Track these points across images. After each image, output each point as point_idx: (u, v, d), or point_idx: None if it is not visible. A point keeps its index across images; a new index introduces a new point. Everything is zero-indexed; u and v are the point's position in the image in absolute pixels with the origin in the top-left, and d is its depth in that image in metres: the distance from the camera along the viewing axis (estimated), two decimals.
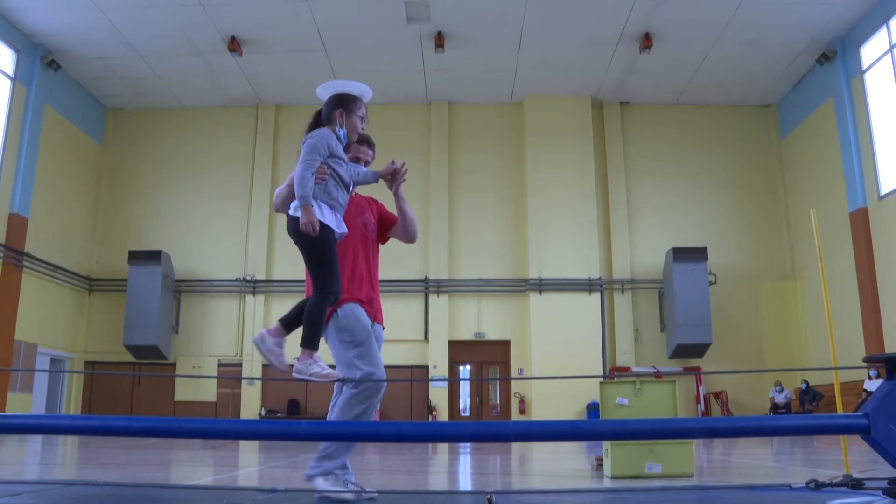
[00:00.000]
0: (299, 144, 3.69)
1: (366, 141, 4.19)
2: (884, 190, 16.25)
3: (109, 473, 6.02)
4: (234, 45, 17.46)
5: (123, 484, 4.61)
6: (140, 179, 20.82)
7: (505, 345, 19.40)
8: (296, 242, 3.60)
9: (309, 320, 3.62)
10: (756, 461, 7.77)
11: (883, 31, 16.09)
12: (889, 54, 15.91)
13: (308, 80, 19.62)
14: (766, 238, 20.19)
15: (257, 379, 18.11)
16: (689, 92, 20.17)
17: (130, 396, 19.33)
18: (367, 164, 4.09)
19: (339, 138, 3.72)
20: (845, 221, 17.13)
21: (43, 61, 17.62)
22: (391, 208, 4.21)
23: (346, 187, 3.72)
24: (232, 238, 20.23)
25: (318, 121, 3.80)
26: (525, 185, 19.58)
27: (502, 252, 19.61)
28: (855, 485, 3.79)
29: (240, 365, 19.28)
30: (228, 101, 20.77)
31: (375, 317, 3.99)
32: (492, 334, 19.47)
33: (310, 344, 3.64)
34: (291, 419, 17.98)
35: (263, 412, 19.00)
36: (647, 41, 17.31)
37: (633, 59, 18.41)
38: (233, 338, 19.72)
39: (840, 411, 3.94)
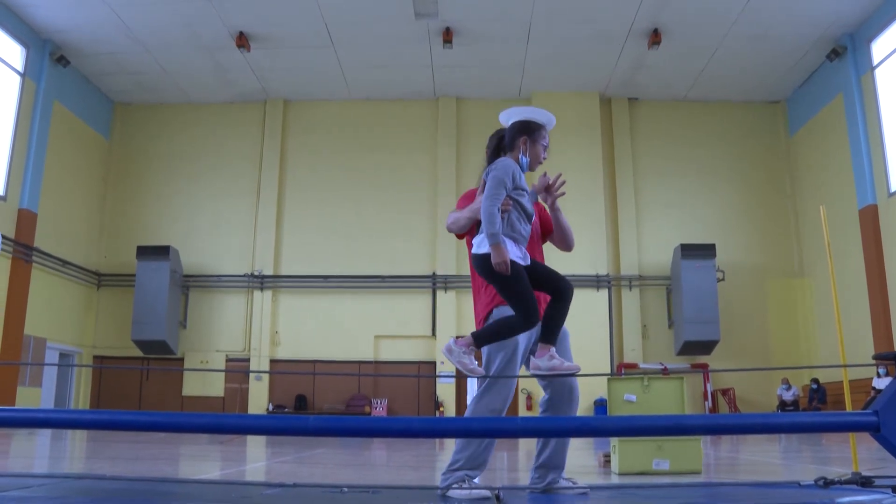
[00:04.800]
0: (480, 174, 3.64)
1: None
2: (894, 187, 16.17)
3: (118, 467, 6.04)
4: (242, 40, 17.48)
5: (132, 478, 4.63)
6: (148, 175, 20.88)
7: None
8: (486, 279, 3.57)
9: (496, 329, 3.59)
10: (764, 458, 7.75)
11: (894, 27, 15.98)
12: None
13: (316, 76, 19.68)
14: (774, 235, 20.12)
15: (265, 372, 18.15)
16: (698, 88, 20.10)
17: (138, 391, 19.40)
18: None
19: (521, 167, 3.65)
20: (854, 218, 17.06)
21: (52, 57, 17.68)
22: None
23: (529, 219, 3.64)
24: (240, 233, 20.27)
25: (500, 146, 3.74)
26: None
27: None
28: (864, 482, 3.77)
29: (247, 360, 19.34)
30: (236, 96, 20.81)
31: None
32: None
33: (478, 342, 3.58)
34: (299, 414, 18.03)
35: (271, 407, 19.05)
36: (655, 37, 17.25)
37: (642, 56, 18.35)
38: (240, 333, 19.77)
39: (849, 409, 3.93)
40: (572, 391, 3.91)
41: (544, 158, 3.77)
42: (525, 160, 3.67)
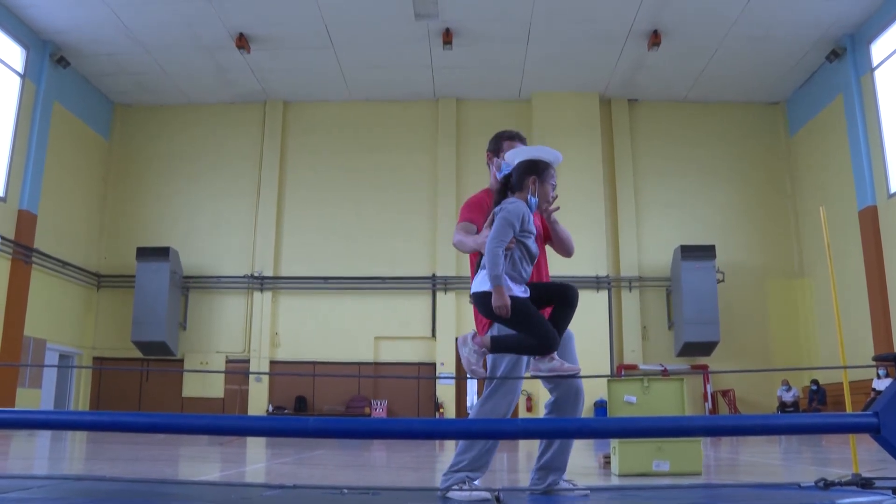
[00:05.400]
0: (491, 208, 3.68)
1: (517, 137, 4.21)
2: (893, 188, 16.16)
3: (118, 469, 6.04)
4: (242, 41, 17.48)
5: (132, 479, 4.63)
6: (148, 176, 20.88)
7: None
8: (487, 318, 3.59)
9: (518, 343, 3.58)
10: (764, 460, 7.75)
11: (893, 28, 15.98)
12: None
13: (316, 77, 19.68)
14: (774, 236, 20.12)
15: (265, 374, 18.14)
16: (698, 89, 20.10)
17: (138, 392, 19.39)
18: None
19: (530, 207, 3.67)
20: (854, 219, 17.06)
21: (52, 58, 17.68)
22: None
23: (532, 260, 3.66)
24: (240, 234, 20.27)
25: (508, 184, 3.76)
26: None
27: None
28: (864, 484, 3.77)
29: (247, 361, 19.33)
30: (236, 97, 20.81)
31: None
32: None
33: (498, 349, 3.58)
34: (299, 416, 18.02)
35: (271, 409, 19.04)
36: (655, 38, 17.25)
37: (642, 56, 18.35)
38: (240, 334, 19.77)
39: (849, 410, 3.93)
40: (578, 393, 3.93)
41: (554, 197, 3.79)
42: (534, 200, 3.69)
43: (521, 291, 3.54)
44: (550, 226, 4.08)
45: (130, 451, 8.35)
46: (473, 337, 3.55)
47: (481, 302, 3.53)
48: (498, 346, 3.57)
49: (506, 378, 3.82)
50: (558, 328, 3.58)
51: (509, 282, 3.50)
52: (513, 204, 3.63)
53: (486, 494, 3.69)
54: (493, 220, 3.62)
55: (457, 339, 3.67)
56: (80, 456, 8.11)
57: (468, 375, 3.60)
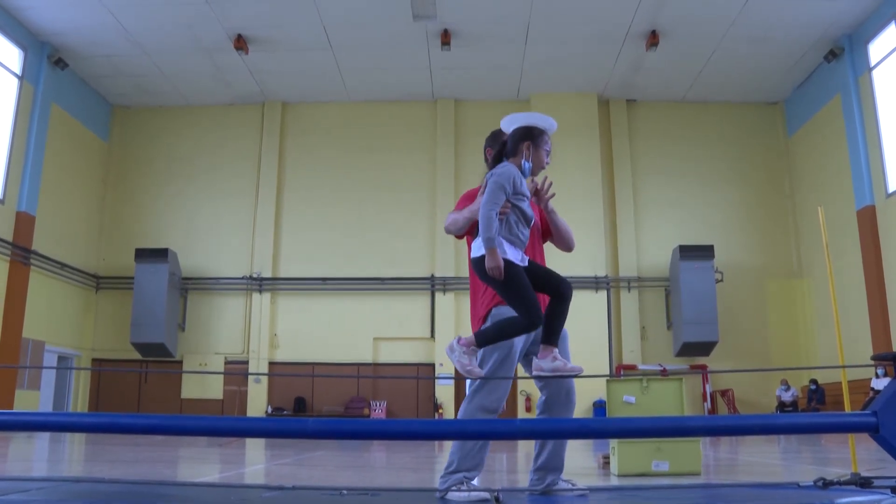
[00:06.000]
0: (483, 178, 3.70)
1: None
2: (892, 187, 16.18)
3: (117, 470, 6.03)
4: (241, 42, 17.47)
5: (131, 481, 4.62)
6: (146, 177, 20.87)
7: None
8: (483, 281, 3.59)
9: (500, 329, 3.58)
10: (763, 459, 7.75)
11: (891, 28, 15.99)
12: None
13: (314, 78, 19.68)
14: (772, 236, 20.13)
15: (264, 374, 18.14)
16: (696, 89, 20.12)
17: (137, 394, 19.38)
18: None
19: (524, 172, 3.69)
20: (853, 219, 17.07)
21: (50, 60, 17.67)
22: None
23: (528, 223, 3.67)
24: (238, 236, 20.26)
25: (502, 151, 3.77)
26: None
27: None
28: (863, 483, 3.77)
29: (246, 362, 19.32)
30: (235, 98, 20.80)
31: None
32: None
33: (483, 341, 3.58)
34: (298, 417, 18.01)
35: (270, 410, 19.03)
36: (653, 38, 17.26)
37: (640, 57, 18.36)
38: (239, 335, 19.76)
39: (848, 409, 3.93)
40: (569, 393, 3.92)
41: (547, 163, 3.79)
42: (528, 165, 3.70)
43: (518, 257, 3.54)
44: (548, 216, 4.07)
45: (129, 452, 8.35)
46: (458, 340, 3.56)
47: (478, 266, 3.52)
48: (483, 338, 3.57)
49: (493, 378, 3.80)
50: (554, 325, 3.57)
51: (506, 245, 3.51)
52: (503, 167, 3.64)
53: (486, 494, 3.69)
54: (485, 187, 3.63)
55: (445, 351, 3.66)
56: (79, 458, 8.10)
57: (466, 378, 3.60)
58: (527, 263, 3.59)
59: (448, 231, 3.97)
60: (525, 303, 3.47)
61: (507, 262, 3.46)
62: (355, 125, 20.85)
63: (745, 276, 19.65)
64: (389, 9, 16.45)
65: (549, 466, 3.94)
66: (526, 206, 3.64)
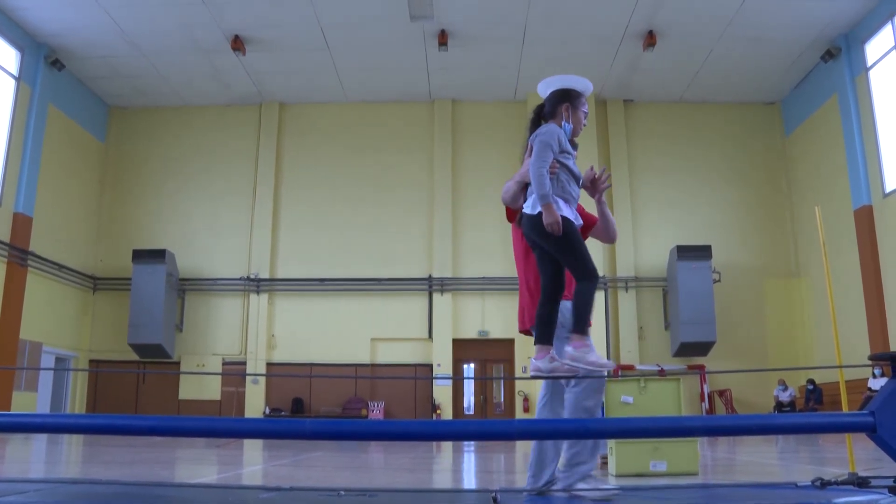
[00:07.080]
0: (526, 140, 3.72)
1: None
2: (888, 187, 16.21)
3: (114, 472, 6.03)
4: (238, 43, 17.46)
5: (128, 482, 4.61)
6: (144, 178, 20.85)
7: (509, 343, 19.36)
8: (539, 240, 3.55)
9: (584, 305, 3.51)
10: (761, 459, 7.76)
11: (888, 28, 16.03)
12: (894, 51, 15.85)
13: (312, 79, 19.67)
14: (770, 236, 20.15)
15: (261, 375, 18.13)
16: (693, 90, 20.13)
17: (135, 395, 19.36)
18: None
19: (565, 132, 3.69)
20: (850, 219, 17.09)
21: (47, 60, 17.64)
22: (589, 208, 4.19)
23: (577, 180, 3.69)
24: (236, 236, 20.24)
25: (540, 114, 3.79)
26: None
27: (506, 250, 19.44)
28: (861, 483, 3.77)
29: (244, 363, 19.30)
30: (232, 99, 20.79)
31: None
32: (495, 332, 19.46)
33: (583, 328, 3.51)
34: (296, 417, 18.00)
35: (267, 411, 19.01)
36: (650, 39, 17.27)
37: (637, 57, 18.37)
38: (237, 336, 19.74)
39: (845, 409, 3.93)
40: (600, 389, 3.90)
41: (585, 124, 3.81)
42: (568, 127, 3.71)
43: (571, 214, 3.53)
44: (598, 207, 4.08)
45: (127, 453, 8.33)
46: (571, 345, 3.47)
47: (533, 224, 3.51)
48: (581, 323, 3.49)
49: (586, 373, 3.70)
50: (551, 328, 3.57)
51: (561, 202, 3.51)
52: (547, 127, 3.67)
53: (616, 489, 3.66)
54: (531, 150, 3.64)
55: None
56: (77, 459, 8.09)
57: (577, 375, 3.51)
58: (581, 221, 3.61)
59: (505, 202, 3.93)
60: (581, 258, 3.47)
61: (564, 219, 3.45)
62: (352, 126, 20.84)
63: (742, 276, 19.67)
64: (387, 9, 16.44)
65: (579, 461, 3.86)
66: (572, 163, 3.65)
